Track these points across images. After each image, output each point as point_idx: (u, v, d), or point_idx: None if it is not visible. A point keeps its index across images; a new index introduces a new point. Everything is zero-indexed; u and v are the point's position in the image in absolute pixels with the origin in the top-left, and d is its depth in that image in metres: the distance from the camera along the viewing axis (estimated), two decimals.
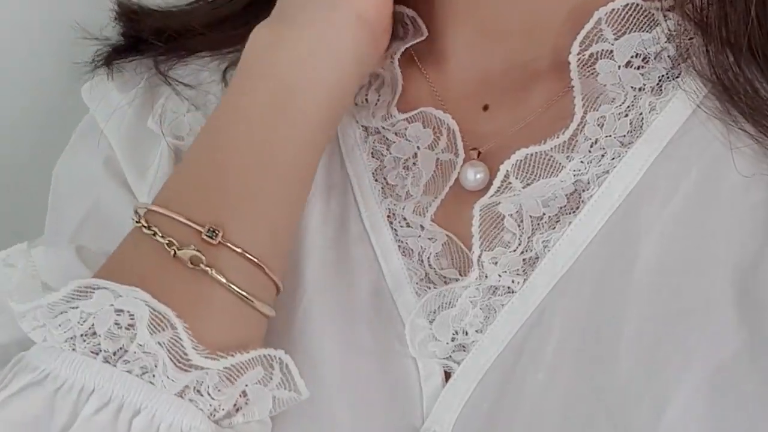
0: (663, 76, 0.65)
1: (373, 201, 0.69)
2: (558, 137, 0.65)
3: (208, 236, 0.59)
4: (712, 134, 0.63)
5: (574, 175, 0.64)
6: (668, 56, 0.65)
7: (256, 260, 0.60)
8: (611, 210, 0.64)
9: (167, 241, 0.59)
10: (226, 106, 0.64)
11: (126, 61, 0.78)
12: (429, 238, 0.67)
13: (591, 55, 0.66)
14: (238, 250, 0.60)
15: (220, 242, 0.59)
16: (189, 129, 0.73)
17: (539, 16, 0.68)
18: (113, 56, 0.78)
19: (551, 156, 0.64)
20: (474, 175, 0.67)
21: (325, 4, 0.64)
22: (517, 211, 0.65)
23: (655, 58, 0.65)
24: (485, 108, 0.69)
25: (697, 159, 0.63)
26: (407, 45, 0.70)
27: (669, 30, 0.65)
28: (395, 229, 0.68)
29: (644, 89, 0.65)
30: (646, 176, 0.64)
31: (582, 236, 0.64)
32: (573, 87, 0.66)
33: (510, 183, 0.64)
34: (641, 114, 0.65)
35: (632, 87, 0.65)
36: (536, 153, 0.64)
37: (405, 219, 0.68)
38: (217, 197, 0.61)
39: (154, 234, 0.60)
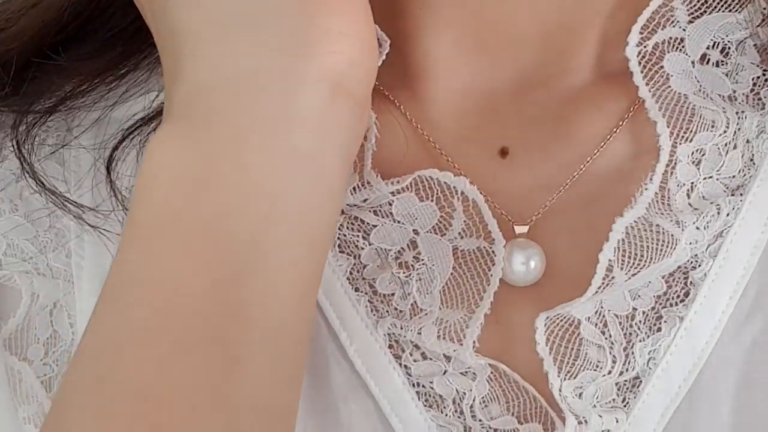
0: (757, 78, 0.45)
1: (359, 324, 0.45)
2: (646, 189, 0.43)
3: None
4: None
5: (691, 250, 0.43)
6: (755, 46, 0.45)
7: None
8: (738, 290, 0.43)
9: None
10: (125, 285, 0.37)
11: None
12: (463, 373, 0.44)
13: (656, 46, 0.44)
14: None
15: None
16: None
17: (575, 9, 0.45)
18: None
19: (654, 224, 0.43)
20: (526, 264, 0.44)
21: (279, 71, 0.37)
22: (596, 312, 0.43)
23: (737, 49, 0.45)
24: (503, 153, 0.46)
25: None
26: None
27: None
28: (406, 366, 0.44)
29: (735, 99, 0.44)
30: None
31: (703, 336, 0.43)
32: (642, 101, 0.44)
33: (613, 278, 0.42)
34: (748, 141, 0.44)
35: (719, 95, 0.44)
36: (637, 222, 0.43)
37: (417, 348, 0.44)
38: None
39: None
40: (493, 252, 0.44)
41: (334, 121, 0.38)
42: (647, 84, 0.44)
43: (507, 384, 0.43)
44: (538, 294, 0.44)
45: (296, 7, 0.37)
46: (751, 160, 0.44)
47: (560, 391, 0.43)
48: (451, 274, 0.44)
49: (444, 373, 0.44)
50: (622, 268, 0.42)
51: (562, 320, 0.43)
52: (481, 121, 0.46)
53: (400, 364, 0.44)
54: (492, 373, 0.43)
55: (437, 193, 0.45)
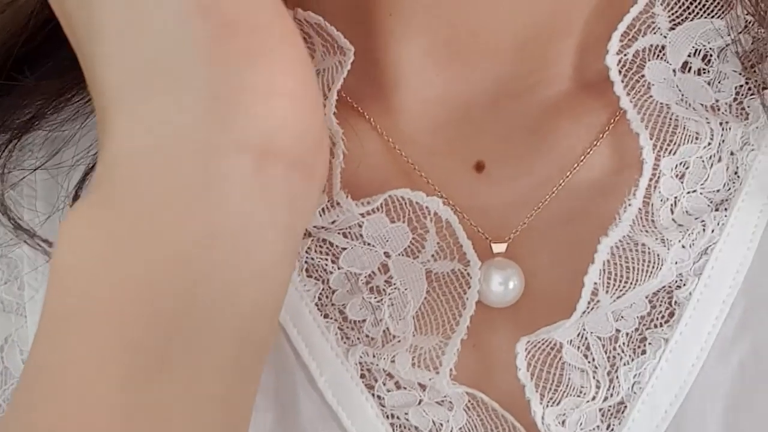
0: (740, 86, 0.43)
1: (329, 353, 0.42)
2: (629, 206, 0.41)
3: None
4: None
5: (677, 270, 0.41)
6: (737, 53, 0.43)
7: None
8: (725, 310, 0.41)
9: None
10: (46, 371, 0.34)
11: None
12: (439, 402, 0.41)
13: (636, 54, 0.42)
14: None
15: None
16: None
17: (551, 17, 0.43)
18: None
19: (640, 243, 0.41)
20: (504, 285, 0.42)
21: (197, 138, 0.33)
22: (578, 335, 0.41)
23: (718, 57, 0.43)
24: (479, 167, 0.44)
25: None
26: (341, 79, 0.42)
27: (753, 8, 0.42)
28: (379, 397, 0.42)
29: (718, 109, 0.43)
30: (762, 252, 0.42)
31: (689, 358, 0.41)
32: (623, 111, 0.42)
33: (598, 301, 0.40)
34: (732, 154, 0.43)
35: (702, 105, 0.42)
36: (622, 241, 0.41)
37: (391, 377, 0.42)
38: None
39: None
40: (468, 274, 0.42)
41: (262, 194, 0.34)
42: (628, 94, 0.42)
43: (485, 413, 0.41)
44: (517, 316, 0.42)
45: (219, 62, 0.33)
46: (736, 173, 0.42)
47: (543, 419, 0.41)
48: (425, 298, 0.42)
49: (419, 403, 0.41)
50: (607, 291, 0.40)
51: (543, 344, 0.41)
52: (455, 134, 0.44)
53: (373, 395, 0.42)
54: (470, 401, 0.41)
55: (409, 214, 0.42)
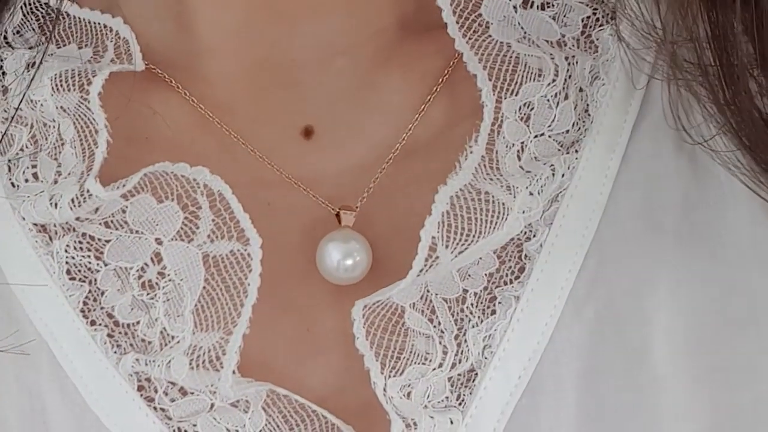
0: (587, 18, 0.40)
1: (98, 367, 0.37)
2: (471, 153, 0.37)
3: None
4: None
5: (525, 219, 0.37)
6: None
7: None
8: (578, 261, 0.38)
9: None
10: None
11: None
12: (234, 404, 0.37)
13: None
14: None
15: None
16: None
17: None
18: None
19: (483, 191, 0.37)
20: (350, 260, 0.38)
21: None
22: (422, 297, 0.38)
23: None
24: (307, 133, 0.40)
25: (674, 155, 0.39)
26: (111, 69, 0.38)
27: None
28: (162, 410, 0.37)
29: (564, 44, 0.39)
30: (616, 196, 0.38)
31: (542, 316, 0.38)
32: (460, 54, 0.39)
33: (437, 257, 0.36)
34: (581, 90, 0.39)
35: (547, 42, 0.39)
36: (463, 190, 0.37)
37: (174, 385, 0.37)
38: None
39: None
40: (249, 255, 0.37)
41: None
42: (464, 35, 0.38)
43: (288, 408, 0.37)
44: (363, 291, 0.38)
45: None
46: (586, 111, 0.39)
47: (385, 390, 0.37)
48: (204, 288, 0.38)
49: (211, 407, 0.37)
50: (447, 246, 0.36)
51: (383, 309, 0.38)
52: (280, 99, 0.40)
53: (155, 408, 0.37)
54: (269, 397, 0.37)
55: (177, 190, 0.38)
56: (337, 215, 0.39)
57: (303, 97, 0.40)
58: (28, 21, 0.41)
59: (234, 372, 0.36)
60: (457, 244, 0.37)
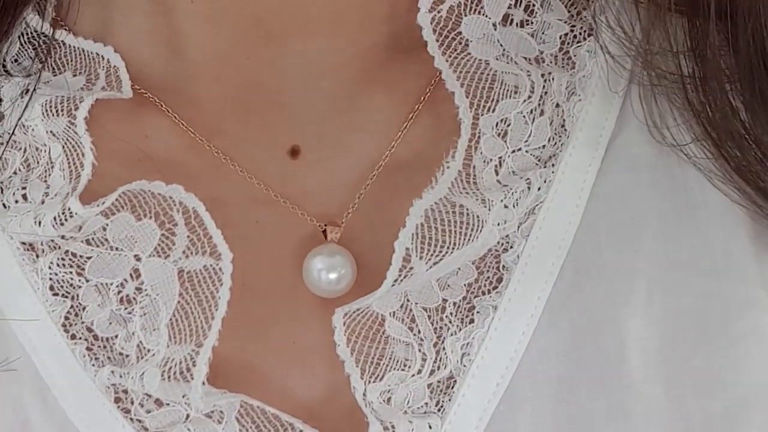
0: (565, 35, 0.41)
1: (77, 380, 0.39)
2: (448, 168, 0.38)
3: None
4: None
5: (499, 232, 0.39)
6: (561, 0, 0.41)
7: None
8: (554, 272, 0.39)
9: None
10: None
11: None
12: (208, 415, 0.38)
13: (451, 10, 0.40)
14: None
15: None
16: None
17: None
18: None
19: (458, 204, 0.38)
20: (332, 273, 0.39)
21: None
22: (401, 306, 0.39)
23: (542, 6, 0.41)
24: (294, 153, 0.41)
25: (649, 169, 0.40)
26: (98, 96, 0.40)
27: None
28: (139, 421, 0.39)
29: (542, 61, 0.40)
30: (592, 209, 0.39)
31: (519, 325, 0.39)
32: (440, 72, 0.40)
33: (412, 268, 0.38)
34: (558, 105, 0.40)
35: (525, 59, 0.40)
36: (438, 203, 0.38)
37: (149, 396, 0.39)
38: None
39: None
40: (220, 269, 0.39)
41: None
42: (444, 53, 0.40)
43: (261, 419, 0.38)
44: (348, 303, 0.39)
45: None
46: (563, 126, 0.40)
47: (365, 395, 0.38)
48: (178, 302, 0.39)
49: (187, 418, 0.38)
50: (421, 257, 0.38)
51: (363, 317, 0.39)
52: (267, 120, 0.42)
53: (132, 419, 0.38)
54: (243, 408, 0.38)
55: (155, 208, 0.40)
56: (324, 231, 0.40)
57: (290, 117, 0.41)
58: (26, 50, 0.42)
59: (204, 383, 0.37)
60: (432, 255, 0.38)
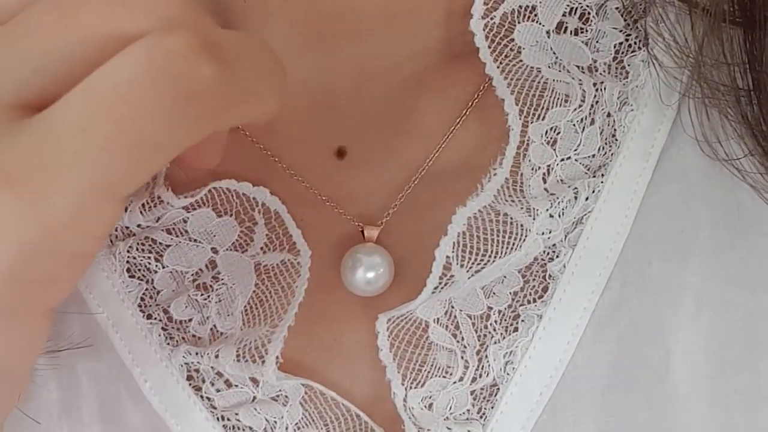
0: (620, 44, 0.40)
1: (153, 357, 0.39)
2: (494, 175, 0.38)
3: None
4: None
5: (544, 241, 0.38)
6: (617, 9, 0.40)
7: None
8: (601, 283, 0.39)
9: None
10: None
11: None
12: (274, 398, 0.39)
13: (504, 16, 0.40)
14: None
15: None
16: None
17: None
18: None
19: (502, 213, 0.38)
20: (370, 273, 0.39)
21: None
22: (446, 313, 0.39)
23: (597, 14, 0.40)
24: (340, 154, 0.41)
25: (701, 182, 0.40)
26: None
27: None
28: (209, 398, 0.39)
29: (596, 70, 0.40)
30: (641, 220, 0.39)
31: (564, 335, 0.38)
32: (490, 79, 0.40)
33: (452, 276, 0.38)
34: (609, 115, 0.40)
35: (578, 67, 0.40)
36: (482, 211, 0.38)
37: (221, 375, 0.39)
38: None
39: None
40: (298, 263, 0.39)
41: None
42: (496, 60, 0.39)
43: (324, 405, 0.39)
44: (387, 304, 0.39)
45: None
46: (613, 135, 0.40)
47: (405, 401, 0.38)
48: (254, 291, 0.39)
49: (253, 400, 0.39)
50: (462, 265, 0.38)
51: (407, 323, 0.39)
52: (317, 121, 0.42)
53: (202, 397, 0.39)
54: (307, 394, 0.39)
55: (237, 206, 0.40)
56: (362, 230, 0.40)
57: (338, 119, 0.42)
58: None
59: (277, 359, 0.38)
60: (473, 263, 0.38)
